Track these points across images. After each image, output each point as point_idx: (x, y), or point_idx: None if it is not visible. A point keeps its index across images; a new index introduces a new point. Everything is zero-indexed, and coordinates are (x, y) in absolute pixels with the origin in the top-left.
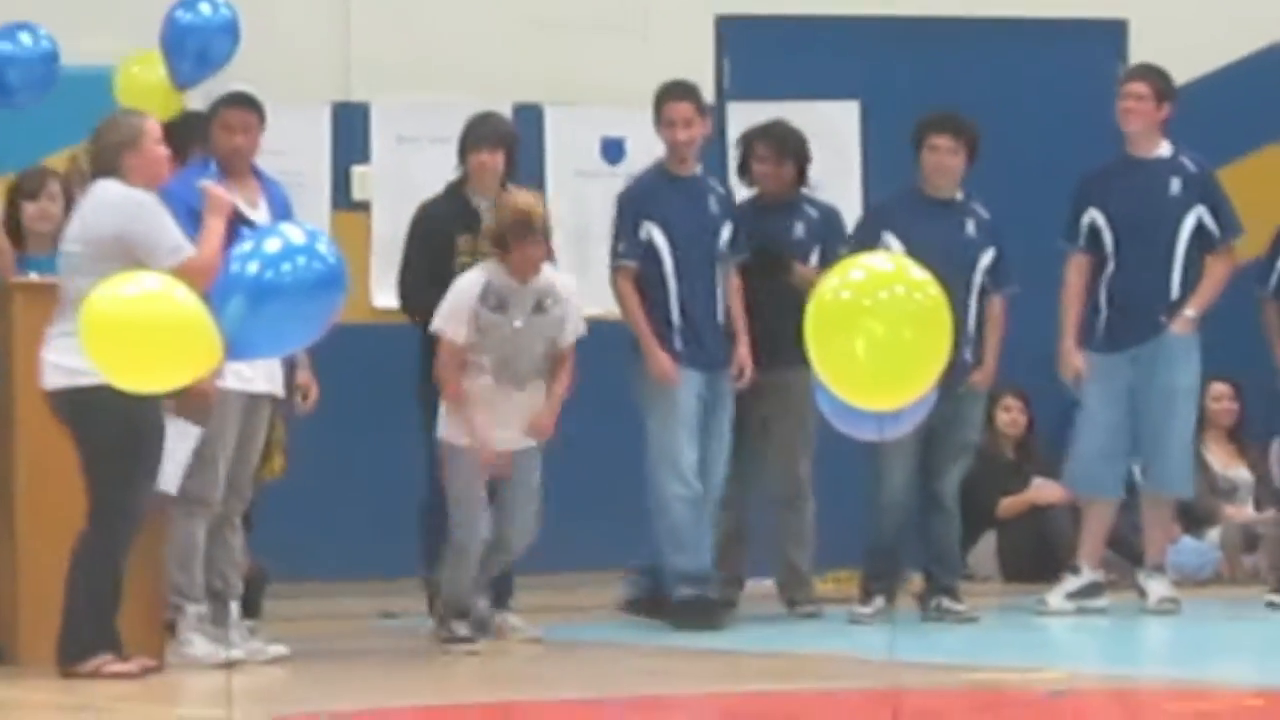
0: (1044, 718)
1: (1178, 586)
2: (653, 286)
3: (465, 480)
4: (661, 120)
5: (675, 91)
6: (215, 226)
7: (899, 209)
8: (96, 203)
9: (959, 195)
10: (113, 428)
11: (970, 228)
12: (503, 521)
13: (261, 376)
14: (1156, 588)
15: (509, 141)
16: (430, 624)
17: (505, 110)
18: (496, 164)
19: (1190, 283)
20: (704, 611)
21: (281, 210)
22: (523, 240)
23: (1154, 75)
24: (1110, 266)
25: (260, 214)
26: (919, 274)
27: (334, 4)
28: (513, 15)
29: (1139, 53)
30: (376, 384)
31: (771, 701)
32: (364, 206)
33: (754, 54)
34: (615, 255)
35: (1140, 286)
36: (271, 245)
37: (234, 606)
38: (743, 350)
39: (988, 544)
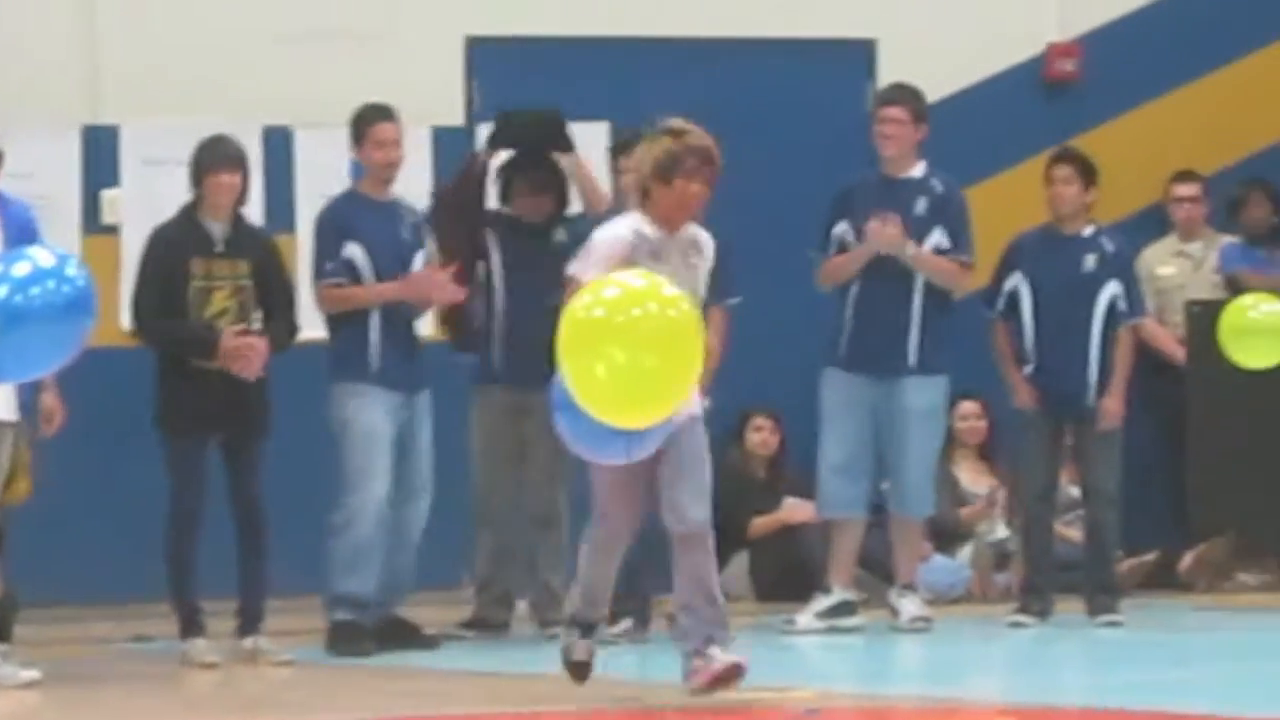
0: None
1: (930, 605)
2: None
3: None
4: (368, 140)
5: (381, 113)
6: None
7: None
8: None
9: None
10: None
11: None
12: (674, 491)
13: None
14: (908, 606)
15: (245, 163)
16: (192, 646)
17: (255, 133)
18: (235, 185)
19: (933, 304)
20: (358, 637)
21: (20, 231)
22: (694, 174)
23: (910, 97)
24: (856, 286)
25: None
26: (670, 292)
27: (82, 26)
28: (262, 38)
29: (887, 73)
30: (127, 407)
31: None
32: (114, 230)
33: (504, 75)
34: (322, 274)
35: (884, 306)
36: (20, 269)
37: None
38: None
39: (740, 564)
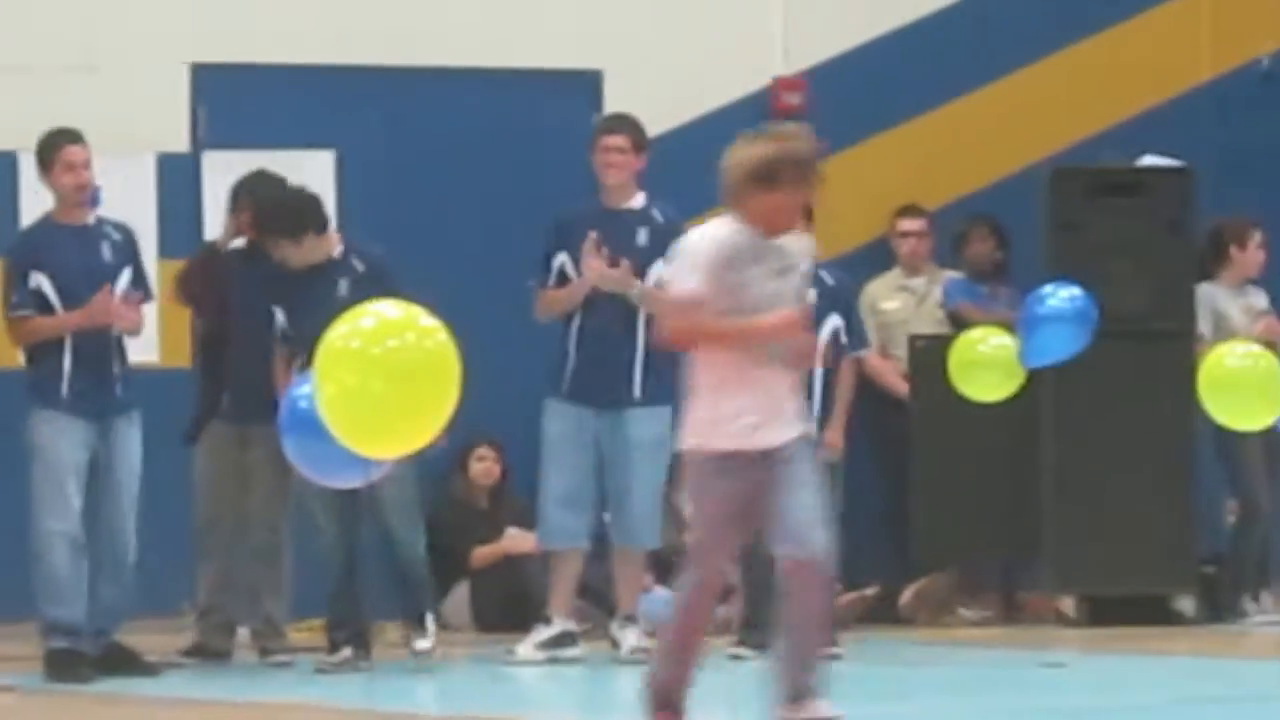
0: None
1: (650, 636)
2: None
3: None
4: (56, 164)
5: (69, 136)
6: None
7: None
8: None
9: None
10: None
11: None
12: (792, 517)
13: None
14: (629, 638)
15: None
16: None
17: None
18: None
19: (650, 339)
20: (75, 664)
21: None
22: (801, 182)
23: (630, 127)
24: (578, 318)
25: None
26: (427, 321)
27: None
28: None
29: (613, 103)
30: None
31: None
32: None
33: (230, 101)
34: (8, 306)
35: (608, 337)
36: None
37: None
38: None
39: (461, 594)
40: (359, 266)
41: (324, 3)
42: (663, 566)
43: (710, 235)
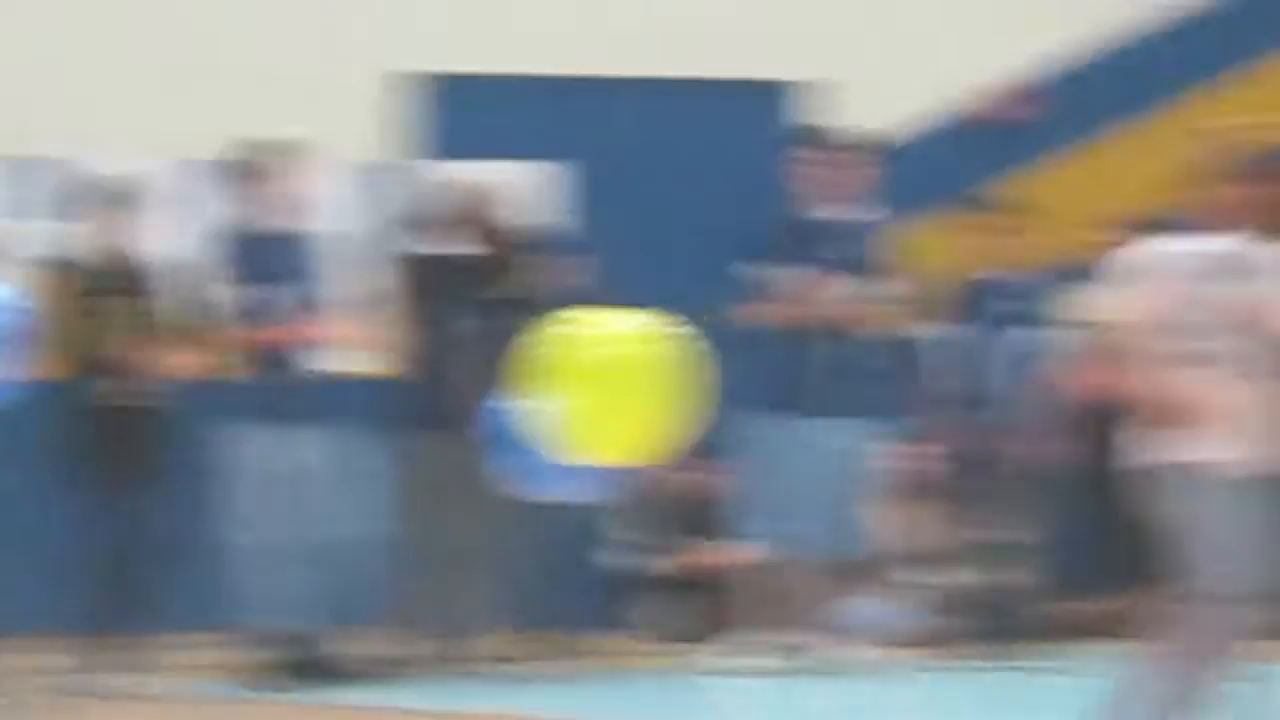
0: None
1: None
2: None
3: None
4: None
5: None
6: None
7: None
8: None
9: None
10: None
11: None
12: None
13: None
14: (816, 646)
15: None
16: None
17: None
18: None
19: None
20: (275, 673)
21: None
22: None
23: (826, 137)
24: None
25: None
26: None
27: None
28: (170, 69)
29: (846, 112)
30: None
31: None
32: None
33: (421, 111)
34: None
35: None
36: None
37: None
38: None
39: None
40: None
41: (550, 14)
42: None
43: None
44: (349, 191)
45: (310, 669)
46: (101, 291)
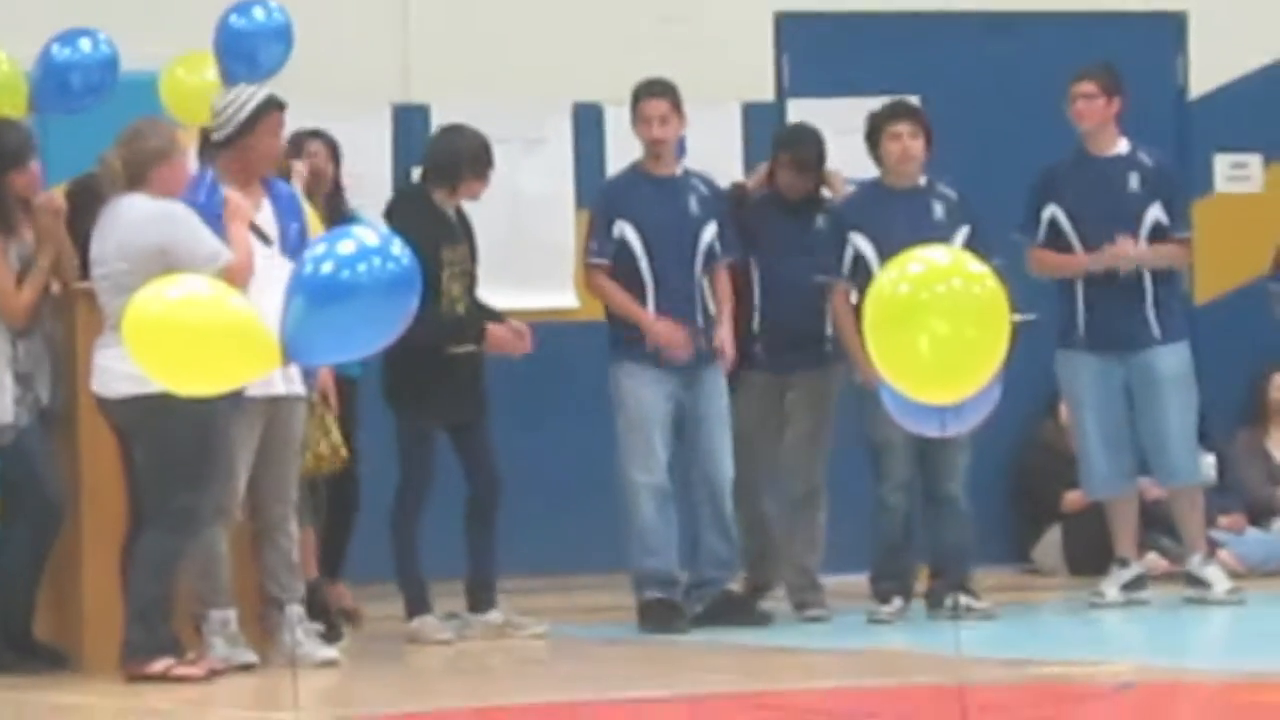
0: (1112, 711)
1: (1242, 578)
2: (628, 285)
3: None
4: (637, 118)
5: (651, 89)
6: (240, 233)
7: (861, 207)
8: (131, 219)
9: (921, 182)
10: (185, 434)
11: (939, 211)
12: None
13: (279, 378)
14: (1217, 577)
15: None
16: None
17: (565, 110)
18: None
19: (1161, 276)
20: (669, 614)
21: (290, 210)
22: None
23: (1100, 73)
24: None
25: (265, 217)
26: (977, 267)
27: (393, 5)
28: (570, 14)
29: (1197, 45)
30: None
31: (845, 696)
32: None
33: (813, 50)
34: (589, 253)
35: (1112, 283)
36: (345, 246)
37: (293, 609)
38: (723, 332)
39: (1053, 538)
40: (951, 194)
41: None
42: (1256, 508)
43: None
44: (735, 130)
45: (724, 610)
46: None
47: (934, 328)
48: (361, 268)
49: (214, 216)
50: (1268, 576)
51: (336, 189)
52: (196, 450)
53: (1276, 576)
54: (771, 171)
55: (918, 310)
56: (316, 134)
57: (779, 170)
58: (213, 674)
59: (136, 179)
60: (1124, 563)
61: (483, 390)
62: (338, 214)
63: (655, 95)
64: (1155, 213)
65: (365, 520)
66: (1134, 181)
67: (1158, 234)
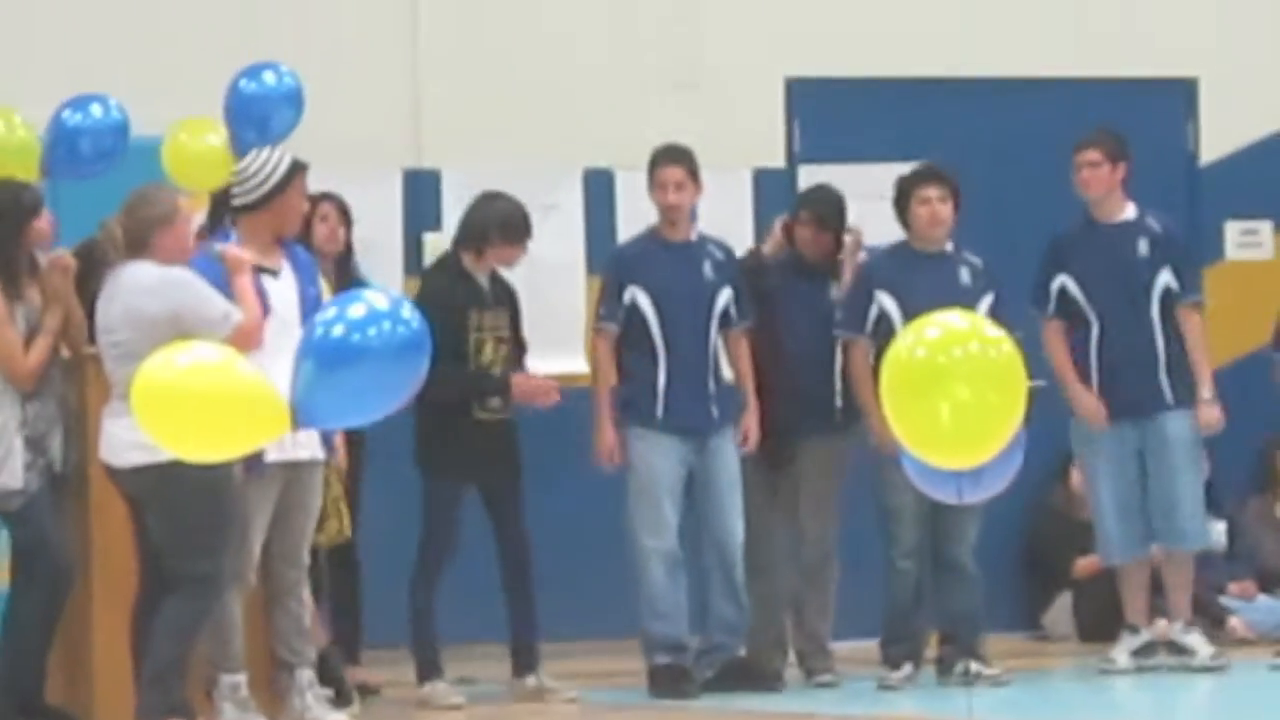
0: None
1: (1255, 646)
2: (639, 351)
3: None
4: (654, 184)
5: (668, 155)
6: (246, 285)
7: (888, 267)
8: (136, 287)
9: (949, 247)
10: (198, 501)
11: (965, 276)
12: None
13: (300, 442)
14: (1200, 644)
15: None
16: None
17: (576, 175)
18: (521, 256)
19: (1173, 341)
20: (678, 680)
21: (309, 275)
22: None
23: (1103, 139)
24: (1093, 330)
25: (284, 282)
26: (994, 331)
27: (404, 71)
28: (581, 80)
29: (1209, 111)
30: None
31: None
32: None
33: (824, 116)
34: (597, 317)
35: (1126, 350)
36: (355, 310)
37: (303, 675)
38: (749, 418)
39: (1064, 604)
40: (974, 261)
41: (914, 16)
42: (1267, 576)
43: None
44: (746, 196)
45: (734, 676)
46: (482, 307)
47: (955, 393)
48: (371, 331)
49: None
50: (1275, 643)
51: (347, 252)
52: (210, 517)
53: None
54: (789, 233)
55: (939, 376)
56: (327, 196)
57: (798, 230)
58: None
59: (139, 245)
60: (1134, 629)
61: (516, 454)
62: (348, 278)
63: (672, 162)
64: (1165, 278)
65: (369, 584)
66: (1143, 247)
67: (1168, 299)
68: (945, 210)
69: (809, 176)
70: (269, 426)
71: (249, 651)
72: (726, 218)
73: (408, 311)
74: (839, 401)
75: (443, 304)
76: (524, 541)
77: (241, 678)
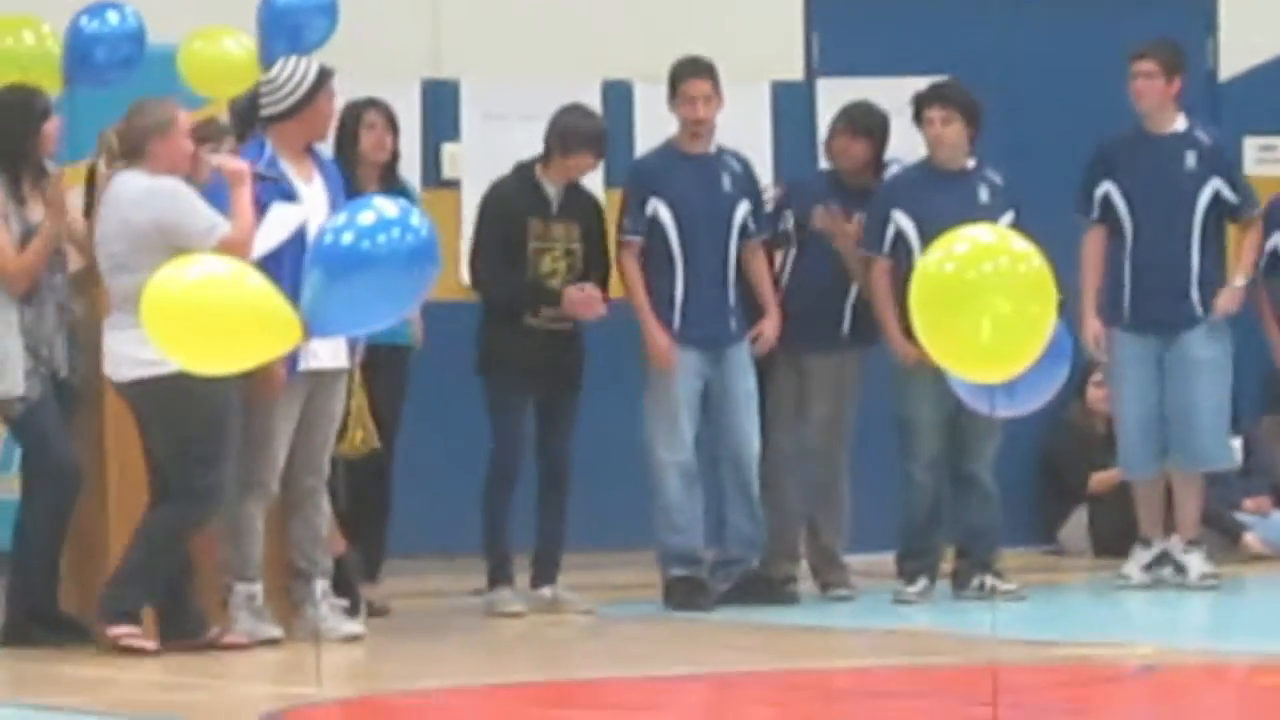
0: (1137, 692)
1: (1270, 561)
2: (658, 263)
3: None
4: (679, 97)
5: (694, 68)
6: (242, 198)
7: (907, 185)
8: (125, 198)
9: (969, 164)
10: (196, 414)
11: (984, 194)
12: None
13: (325, 352)
14: (1196, 563)
15: (605, 145)
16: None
17: (594, 87)
18: (590, 167)
19: (1208, 257)
20: (694, 592)
21: (336, 184)
22: None
23: (1162, 50)
24: (1128, 240)
25: (315, 189)
26: (1022, 244)
27: None
28: None
29: (1229, 22)
30: (465, 360)
31: (873, 676)
32: (454, 184)
33: (844, 29)
34: (621, 230)
35: (1160, 262)
36: (365, 217)
37: (319, 584)
38: (769, 322)
39: (1079, 519)
40: (995, 178)
41: None
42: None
43: None
44: (765, 109)
45: (751, 588)
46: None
47: (995, 306)
48: (381, 239)
49: (277, 190)
50: None
51: (393, 159)
52: (207, 430)
53: None
54: (829, 150)
55: (975, 291)
56: (374, 103)
57: (834, 142)
58: (162, 650)
59: (134, 153)
60: (1147, 543)
61: (577, 368)
62: (393, 185)
63: (698, 75)
64: (1210, 190)
65: (406, 493)
66: (1191, 159)
67: (1213, 210)
68: (950, 132)
69: (828, 90)
70: (280, 337)
71: (265, 561)
72: (744, 131)
73: (417, 219)
74: (847, 318)
75: (499, 211)
76: (565, 458)
77: (258, 587)
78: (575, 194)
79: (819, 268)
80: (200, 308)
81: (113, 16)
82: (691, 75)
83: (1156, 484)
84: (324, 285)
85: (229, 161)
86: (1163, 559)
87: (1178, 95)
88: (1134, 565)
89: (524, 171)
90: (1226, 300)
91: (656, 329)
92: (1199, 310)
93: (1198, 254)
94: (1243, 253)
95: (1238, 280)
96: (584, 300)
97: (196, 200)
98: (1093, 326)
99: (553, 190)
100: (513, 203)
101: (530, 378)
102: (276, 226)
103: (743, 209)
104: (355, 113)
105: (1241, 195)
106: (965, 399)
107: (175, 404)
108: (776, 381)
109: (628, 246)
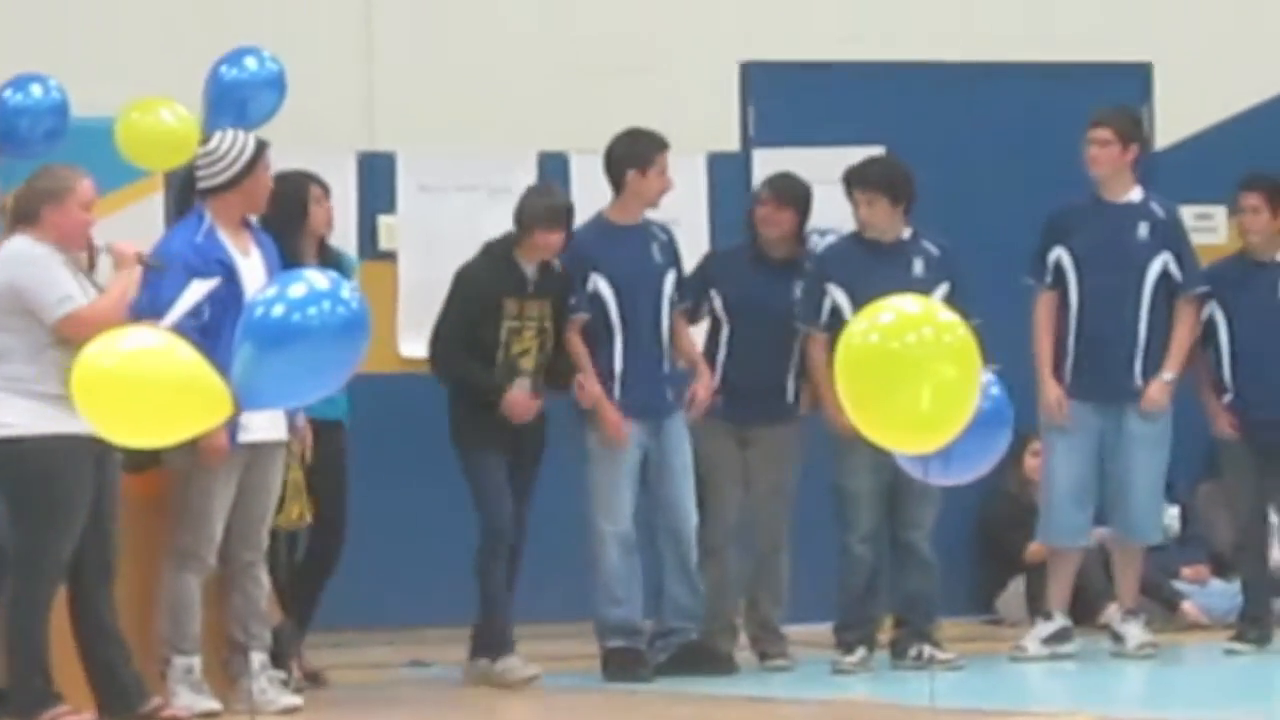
0: None
1: (1207, 630)
2: (598, 336)
3: None
4: (654, 167)
5: (664, 141)
6: (122, 280)
7: (841, 258)
8: (1, 259)
9: (905, 234)
10: (31, 482)
11: (918, 267)
12: None
13: (262, 423)
14: (1133, 632)
15: (572, 221)
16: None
17: (530, 159)
18: (560, 244)
19: (1155, 330)
20: (632, 663)
21: (273, 258)
22: None
23: (1119, 118)
24: (1074, 308)
25: (254, 262)
26: (947, 316)
27: (359, 54)
28: (535, 64)
29: (1163, 95)
30: (406, 432)
31: None
32: (391, 256)
33: (779, 100)
34: (569, 309)
35: (1106, 332)
36: (295, 290)
37: (256, 657)
38: (701, 385)
39: (1017, 588)
40: (933, 250)
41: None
42: (1219, 561)
43: None
44: (701, 180)
45: (689, 659)
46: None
47: (940, 372)
48: (311, 311)
49: (214, 261)
50: (1230, 628)
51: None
52: (43, 501)
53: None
54: (751, 224)
55: (897, 362)
56: (311, 177)
57: (758, 211)
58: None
59: (26, 216)
60: (1049, 615)
61: (541, 438)
62: (326, 257)
63: (668, 148)
64: (1161, 265)
65: (343, 565)
66: (1144, 230)
67: (1162, 283)
68: (874, 212)
69: (763, 161)
70: (210, 410)
71: (203, 633)
72: (681, 201)
73: (347, 292)
74: (792, 390)
75: (471, 291)
76: (523, 528)
77: (196, 660)
78: (548, 272)
79: (756, 338)
80: (130, 380)
81: (36, 89)
82: (665, 148)
83: (1072, 556)
84: (254, 358)
85: (118, 244)
86: (1066, 633)
87: (1134, 163)
88: (1033, 638)
89: (496, 251)
90: (1155, 393)
91: (609, 405)
92: (1140, 383)
93: (1145, 326)
94: (1175, 342)
95: (1166, 375)
96: (523, 404)
97: (57, 272)
98: (1053, 391)
99: (529, 269)
100: (488, 283)
101: (500, 446)
102: (188, 299)
103: (670, 278)
104: (298, 184)
105: (1186, 271)
106: (903, 465)
107: (13, 470)
108: (721, 452)
109: (576, 323)
